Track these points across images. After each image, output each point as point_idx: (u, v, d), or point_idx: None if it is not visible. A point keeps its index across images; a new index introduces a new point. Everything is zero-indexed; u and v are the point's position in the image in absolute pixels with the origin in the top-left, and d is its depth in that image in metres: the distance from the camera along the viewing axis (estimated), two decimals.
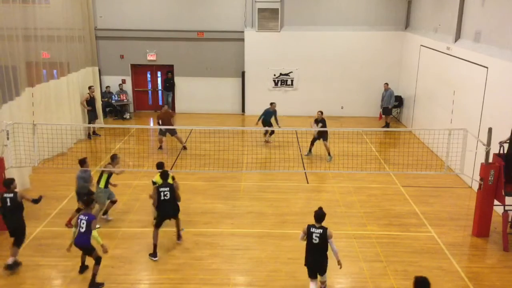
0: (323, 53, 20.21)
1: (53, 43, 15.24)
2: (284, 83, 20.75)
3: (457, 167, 11.67)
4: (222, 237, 10.44)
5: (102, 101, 19.36)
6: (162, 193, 9.59)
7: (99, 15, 20.08)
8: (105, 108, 20.05)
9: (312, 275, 8.08)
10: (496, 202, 10.32)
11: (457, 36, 14.85)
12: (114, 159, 11.11)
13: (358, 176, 13.91)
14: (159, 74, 21.34)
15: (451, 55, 14.98)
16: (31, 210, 11.48)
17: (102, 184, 10.84)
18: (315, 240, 7.77)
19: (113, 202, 11.20)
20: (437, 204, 12.28)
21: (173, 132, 15.90)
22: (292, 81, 20.71)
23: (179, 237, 10.17)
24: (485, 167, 10.19)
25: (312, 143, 15.60)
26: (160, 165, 10.69)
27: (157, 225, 9.73)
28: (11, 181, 9.21)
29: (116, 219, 11.19)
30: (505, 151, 10.24)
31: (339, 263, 7.91)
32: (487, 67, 12.59)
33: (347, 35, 20.07)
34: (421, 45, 17.75)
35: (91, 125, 17.08)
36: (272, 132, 16.60)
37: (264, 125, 16.22)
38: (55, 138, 13.22)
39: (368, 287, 8.82)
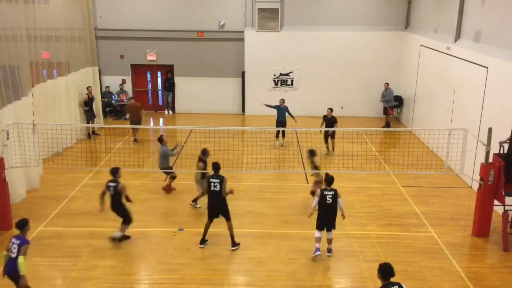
0: (323, 53, 20.21)
1: (53, 43, 15.25)
2: (284, 83, 20.75)
3: (457, 167, 11.66)
4: (222, 237, 10.43)
5: (102, 101, 19.39)
6: (212, 184, 9.69)
7: (99, 15, 20.10)
8: (105, 108, 20.07)
9: (321, 228, 9.56)
10: (496, 202, 10.32)
11: (457, 36, 14.85)
12: (205, 153, 11.72)
13: (358, 176, 13.90)
14: (159, 74, 21.35)
15: (451, 55, 14.98)
16: (31, 210, 11.54)
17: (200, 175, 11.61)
18: (329, 200, 9.33)
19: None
20: (437, 204, 12.28)
21: (137, 124, 16.34)
22: (292, 81, 20.71)
23: (233, 244, 9.92)
24: (485, 167, 10.19)
25: (326, 141, 15.69)
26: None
27: (209, 217, 9.98)
28: (117, 170, 9.99)
29: (116, 219, 11.14)
30: (505, 151, 10.23)
31: (343, 216, 9.55)
32: (487, 67, 12.59)
33: (347, 35, 20.07)
34: (421, 45, 17.75)
35: (90, 125, 17.11)
36: (284, 134, 16.42)
37: (278, 126, 16.02)
38: (55, 138, 13.22)
39: (368, 287, 8.82)
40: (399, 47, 20.11)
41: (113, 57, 20.58)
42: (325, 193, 9.43)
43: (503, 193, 10.11)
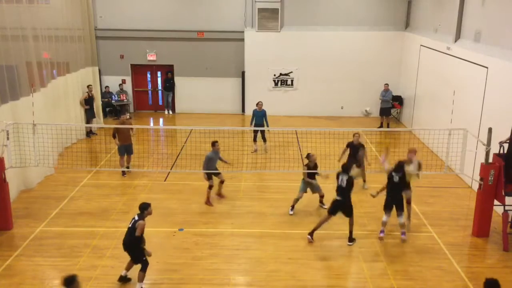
0: (323, 53, 20.21)
1: (53, 43, 15.23)
2: (284, 83, 20.75)
3: (457, 167, 11.67)
4: (222, 237, 10.44)
5: (102, 101, 19.40)
6: (339, 179, 10.19)
7: (99, 15, 20.09)
8: (105, 108, 20.08)
9: (390, 208, 10.24)
10: (496, 202, 10.32)
11: (457, 36, 14.85)
12: (309, 157, 11.54)
13: None
14: (159, 74, 21.34)
15: (451, 55, 14.98)
16: (31, 211, 11.54)
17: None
18: (396, 179, 10.12)
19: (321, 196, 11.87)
20: (437, 204, 12.28)
21: (130, 151, 13.90)
22: (292, 81, 20.71)
23: (350, 239, 10.28)
24: (485, 167, 10.19)
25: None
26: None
27: (329, 211, 10.29)
28: (147, 206, 8.49)
29: (116, 219, 11.19)
30: (505, 151, 10.23)
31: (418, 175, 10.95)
32: (487, 67, 12.59)
33: (347, 35, 20.06)
34: (421, 45, 17.75)
35: (90, 125, 17.11)
36: (264, 139, 15.83)
37: (256, 130, 15.55)
38: (55, 138, 13.23)
39: (368, 287, 8.82)
40: (399, 47, 20.11)
41: (113, 57, 20.57)
42: (392, 173, 10.15)
43: (503, 193, 10.11)
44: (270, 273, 9.17)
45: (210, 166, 11.84)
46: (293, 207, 11.64)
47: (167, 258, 9.59)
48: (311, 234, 10.21)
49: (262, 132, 15.72)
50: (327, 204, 11.37)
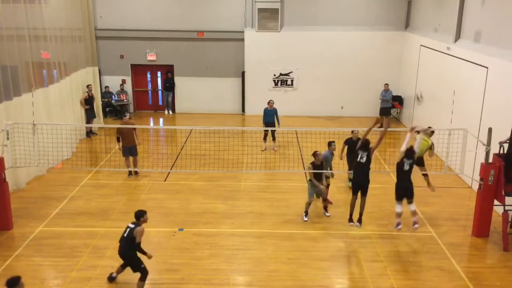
0: (323, 53, 20.21)
1: (53, 43, 15.22)
2: (284, 83, 20.75)
3: (457, 167, 11.67)
4: (222, 237, 10.44)
5: (102, 101, 19.41)
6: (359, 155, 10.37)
7: (99, 15, 20.09)
8: (105, 108, 20.08)
9: (401, 198, 10.12)
10: (496, 202, 10.33)
11: (457, 36, 14.85)
12: (315, 155, 11.27)
13: None
14: (159, 74, 21.34)
15: (451, 55, 14.98)
16: (31, 211, 11.53)
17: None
18: (406, 167, 9.99)
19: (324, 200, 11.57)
20: (437, 204, 12.28)
21: (133, 152, 13.67)
22: (292, 81, 20.71)
23: (359, 220, 10.37)
24: (485, 167, 10.19)
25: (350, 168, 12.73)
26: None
27: (353, 191, 10.45)
28: (142, 213, 8.41)
29: (116, 219, 11.19)
30: (505, 151, 10.23)
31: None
32: (487, 67, 12.59)
33: (347, 35, 20.06)
34: (421, 45, 17.75)
35: (90, 125, 17.11)
36: (274, 137, 15.91)
37: (267, 127, 15.62)
38: (55, 138, 13.22)
39: (368, 287, 8.82)
40: (399, 47, 20.10)
41: (113, 57, 20.56)
42: (404, 160, 9.98)
43: (503, 193, 10.11)
44: (270, 273, 9.17)
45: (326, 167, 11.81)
46: (306, 213, 11.27)
47: (167, 258, 9.59)
48: (351, 219, 10.40)
49: (273, 131, 15.73)
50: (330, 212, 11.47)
